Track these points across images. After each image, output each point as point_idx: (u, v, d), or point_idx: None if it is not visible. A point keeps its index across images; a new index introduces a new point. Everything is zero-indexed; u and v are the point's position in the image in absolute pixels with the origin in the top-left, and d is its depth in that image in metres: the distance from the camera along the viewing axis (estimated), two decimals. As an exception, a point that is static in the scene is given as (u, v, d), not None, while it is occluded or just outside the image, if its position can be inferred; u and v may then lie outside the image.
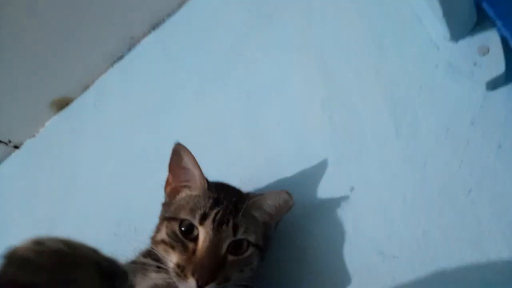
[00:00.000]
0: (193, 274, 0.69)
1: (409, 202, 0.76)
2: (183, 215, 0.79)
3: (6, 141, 1.79)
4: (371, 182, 0.83)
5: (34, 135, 1.77)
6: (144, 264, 0.81)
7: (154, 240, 0.82)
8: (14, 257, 0.35)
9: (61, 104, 1.68)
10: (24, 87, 1.62)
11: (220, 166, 0.86)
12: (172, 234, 0.78)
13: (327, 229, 0.85)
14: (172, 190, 0.88)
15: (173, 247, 0.77)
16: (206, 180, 0.85)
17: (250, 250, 0.79)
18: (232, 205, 0.80)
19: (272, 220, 0.86)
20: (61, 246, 0.39)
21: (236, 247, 0.78)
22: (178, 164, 0.84)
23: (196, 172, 0.83)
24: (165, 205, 0.88)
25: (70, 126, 1.62)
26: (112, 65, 1.55)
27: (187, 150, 0.83)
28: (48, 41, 1.49)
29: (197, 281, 0.69)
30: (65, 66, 1.58)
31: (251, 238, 0.79)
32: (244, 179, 0.96)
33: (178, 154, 0.83)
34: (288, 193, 0.82)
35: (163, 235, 0.80)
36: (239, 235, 0.77)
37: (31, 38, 1.47)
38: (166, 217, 0.82)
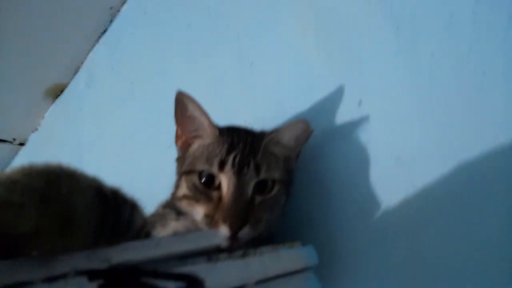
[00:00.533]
0: (224, 221, 0.67)
1: (420, 101, 0.72)
2: (200, 166, 0.75)
3: (10, 139, 1.79)
4: (377, 90, 0.79)
5: (36, 129, 1.76)
6: (163, 214, 0.79)
7: (176, 197, 0.79)
8: (1, 180, 0.32)
9: (56, 91, 1.66)
10: (16, 82, 1.60)
11: (223, 120, 0.83)
12: (193, 187, 0.75)
13: (343, 149, 0.82)
14: (183, 143, 0.84)
15: (197, 200, 0.74)
16: (216, 126, 0.82)
17: (276, 187, 0.76)
18: (249, 146, 0.77)
19: (292, 153, 0.82)
20: (55, 168, 0.36)
21: (262, 187, 0.75)
22: (183, 114, 0.80)
23: (204, 120, 0.79)
24: (180, 160, 0.84)
25: (68, 112, 1.60)
26: (97, 41, 1.51)
27: (191, 97, 0.78)
28: (29, 31, 1.45)
29: (230, 227, 0.67)
30: (52, 52, 1.55)
31: (275, 176, 0.76)
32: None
33: (182, 103, 0.78)
34: (305, 121, 0.79)
35: (184, 190, 0.77)
36: (263, 175, 0.74)
37: (12, 31, 1.43)
38: (184, 172, 0.79)
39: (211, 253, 0.56)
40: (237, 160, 0.74)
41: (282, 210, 0.79)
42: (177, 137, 0.84)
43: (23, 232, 0.31)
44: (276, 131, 0.79)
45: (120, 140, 1.35)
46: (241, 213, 0.69)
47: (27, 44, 1.48)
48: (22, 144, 1.80)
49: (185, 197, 0.76)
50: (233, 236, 0.67)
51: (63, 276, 0.37)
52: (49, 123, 1.68)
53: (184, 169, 0.78)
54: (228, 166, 0.73)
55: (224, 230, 0.67)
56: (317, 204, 0.85)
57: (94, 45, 1.50)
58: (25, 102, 1.66)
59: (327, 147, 0.85)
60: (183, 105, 0.78)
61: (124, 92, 1.35)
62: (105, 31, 1.46)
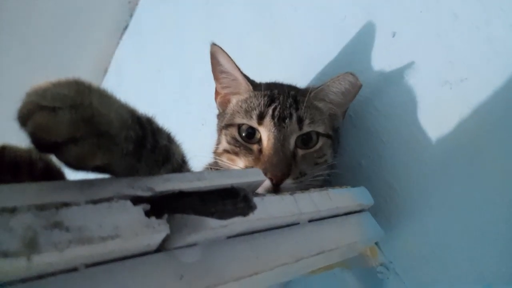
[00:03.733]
0: (265, 173, 0.64)
1: (459, 19, 0.66)
2: (239, 119, 0.73)
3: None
4: (408, 17, 0.73)
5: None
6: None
7: (216, 153, 0.77)
8: (35, 89, 0.31)
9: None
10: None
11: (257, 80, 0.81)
12: (232, 141, 0.73)
13: (385, 87, 0.77)
14: (222, 100, 0.82)
15: (237, 153, 0.72)
16: (252, 81, 0.78)
17: (321, 141, 0.73)
18: (291, 98, 0.74)
19: (339, 109, 0.78)
20: (83, 81, 0.35)
21: (306, 140, 0.71)
22: (217, 69, 0.78)
23: (236, 74, 0.77)
24: (220, 116, 0.83)
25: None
26: (120, 37, 1.54)
27: (222, 51, 0.76)
28: (53, 38, 1.49)
29: (271, 179, 0.64)
30: (79, 56, 1.58)
31: (320, 129, 0.72)
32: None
33: (214, 57, 0.77)
34: (352, 74, 0.72)
35: (224, 144, 0.75)
36: (306, 128, 0.71)
37: (37, 42, 1.48)
38: (223, 126, 0.77)
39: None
40: (277, 112, 0.70)
41: (329, 165, 0.74)
42: (216, 93, 0.82)
43: (59, 137, 0.30)
44: (322, 86, 0.75)
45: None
46: (282, 165, 0.65)
47: (53, 51, 1.52)
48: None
49: (225, 151, 0.73)
50: (275, 188, 0.64)
51: (107, 200, 0.35)
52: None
53: (224, 123, 0.76)
54: (268, 118, 0.70)
55: (266, 182, 0.64)
56: (369, 151, 0.80)
57: (118, 42, 1.52)
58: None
59: (369, 88, 0.80)
60: (215, 59, 0.76)
61: (153, 81, 1.36)
62: (126, 26, 1.48)
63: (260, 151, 0.68)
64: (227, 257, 0.45)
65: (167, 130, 0.45)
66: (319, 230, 0.57)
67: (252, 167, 0.67)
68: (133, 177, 0.39)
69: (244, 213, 0.38)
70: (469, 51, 0.65)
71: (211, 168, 0.77)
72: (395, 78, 0.75)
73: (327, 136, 0.73)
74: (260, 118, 0.70)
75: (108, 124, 0.33)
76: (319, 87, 0.74)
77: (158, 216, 0.38)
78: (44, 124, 0.29)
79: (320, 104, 0.75)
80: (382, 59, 0.78)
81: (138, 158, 0.37)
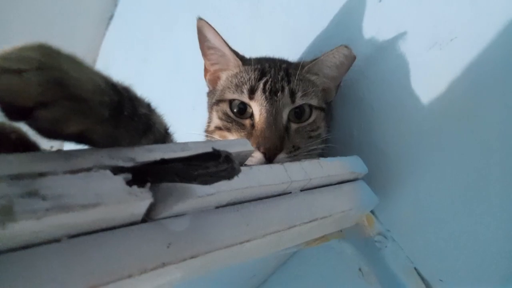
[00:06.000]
0: (258, 148, 0.63)
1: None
2: (230, 95, 0.72)
3: (48, 147, 1.84)
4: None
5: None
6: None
7: (208, 131, 0.75)
8: None
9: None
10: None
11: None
12: (224, 116, 0.72)
13: (372, 53, 0.75)
14: (211, 77, 0.80)
15: (229, 129, 0.71)
16: (241, 56, 0.77)
17: (314, 114, 0.71)
18: (283, 72, 0.72)
19: (333, 83, 0.76)
20: (50, 45, 0.33)
21: (299, 114, 0.70)
22: (205, 45, 0.76)
23: (224, 49, 0.75)
24: (210, 94, 0.81)
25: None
26: (106, 28, 1.51)
27: (209, 25, 0.73)
28: (38, 31, 1.47)
29: (264, 153, 0.63)
30: (65, 49, 1.56)
31: (313, 102, 0.71)
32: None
33: (201, 32, 0.75)
34: (346, 47, 0.70)
35: (215, 121, 0.74)
36: (298, 101, 0.69)
37: (20, 34, 1.46)
38: (214, 102, 0.76)
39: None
40: (268, 85, 0.69)
41: (324, 139, 0.74)
42: (206, 71, 0.81)
43: (28, 101, 0.29)
44: (315, 60, 0.74)
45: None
46: (275, 139, 0.64)
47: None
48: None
49: (217, 128, 0.73)
50: (269, 163, 0.63)
51: (86, 169, 0.34)
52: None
53: (215, 99, 0.75)
54: (259, 92, 0.69)
55: (258, 156, 0.63)
56: (360, 120, 0.79)
57: (104, 33, 1.50)
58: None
59: (358, 56, 0.79)
60: (202, 35, 0.75)
61: (140, 71, 1.34)
62: (112, 16, 1.45)
63: (253, 125, 0.68)
64: (217, 226, 0.44)
65: (146, 100, 0.44)
66: (311, 198, 0.56)
67: (246, 143, 0.66)
68: (113, 148, 0.38)
69: (229, 176, 0.37)
70: (456, 10, 0.64)
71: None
72: (383, 44, 0.74)
73: (321, 109, 0.72)
74: (251, 92, 0.69)
75: (80, 87, 0.32)
76: (312, 60, 0.73)
77: (140, 185, 0.37)
78: (11, 87, 0.28)
79: (313, 78, 0.74)
80: (370, 26, 0.77)
81: (116, 125, 0.36)
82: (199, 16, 0.73)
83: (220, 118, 0.71)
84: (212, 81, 0.79)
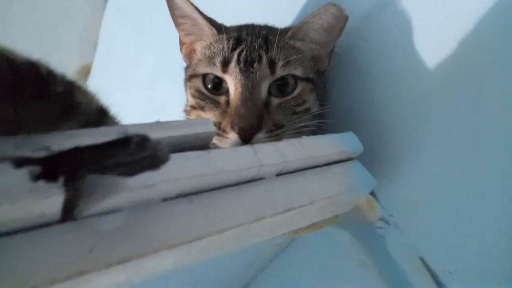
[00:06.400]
0: (232, 128, 0.56)
1: None
2: (203, 69, 0.64)
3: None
4: None
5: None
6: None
7: (186, 111, 0.69)
8: None
9: (84, 72, 1.65)
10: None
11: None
12: (197, 94, 0.64)
13: (374, 17, 0.65)
14: (187, 50, 0.72)
15: (202, 108, 0.63)
16: (217, 24, 0.68)
17: (300, 86, 0.62)
18: (262, 39, 0.63)
19: (325, 48, 0.66)
20: None
21: (281, 86, 0.61)
22: (175, 13, 0.68)
23: (196, 17, 0.66)
24: (186, 69, 0.73)
25: (100, 88, 1.57)
26: (104, 7, 1.45)
27: None
28: (37, 18, 1.44)
29: (239, 135, 0.55)
30: (67, 33, 1.53)
31: (297, 72, 0.62)
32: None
33: (170, 0, 0.66)
34: (334, 5, 0.59)
35: (190, 99, 0.67)
36: (280, 71, 0.60)
37: (23, 26, 1.43)
38: (187, 78, 0.68)
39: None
40: (243, 55, 0.60)
41: (314, 114, 0.64)
42: (181, 43, 0.73)
43: None
44: (299, 23, 0.64)
45: (151, 99, 1.29)
46: (251, 117, 0.56)
47: (41, 33, 1.47)
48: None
49: (192, 107, 0.65)
50: (245, 144, 0.55)
51: (-24, 163, 0.28)
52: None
53: (188, 75, 0.68)
54: (233, 64, 0.60)
55: (233, 137, 0.56)
56: (359, 91, 0.69)
57: (102, 15, 1.45)
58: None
59: (354, 16, 0.69)
60: (171, 1, 0.66)
61: (142, 50, 1.28)
62: (107, -6, 1.39)
63: (228, 103, 0.60)
64: (161, 222, 0.38)
65: (68, 77, 0.37)
66: (289, 184, 0.49)
67: (220, 122, 0.59)
68: (23, 136, 0.32)
69: (151, 166, 0.30)
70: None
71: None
72: (381, 1, 0.64)
73: (308, 80, 0.63)
74: (225, 64, 0.61)
75: None
76: (297, 24, 0.63)
77: (51, 179, 0.31)
78: None
79: (298, 44, 0.64)
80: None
81: (14, 107, 0.30)
82: None
83: (193, 96, 0.64)
84: (188, 55, 0.72)
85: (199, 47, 0.68)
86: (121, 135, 0.30)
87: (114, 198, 0.34)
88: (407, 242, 0.63)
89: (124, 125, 0.38)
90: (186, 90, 0.68)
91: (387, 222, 0.65)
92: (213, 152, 0.42)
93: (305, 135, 0.62)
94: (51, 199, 0.30)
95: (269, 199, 0.45)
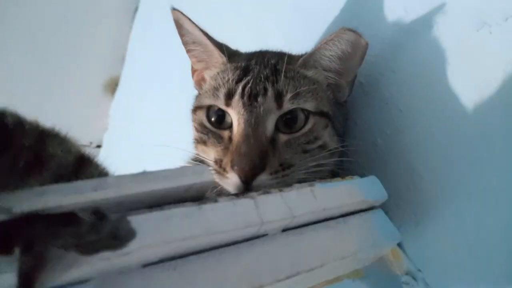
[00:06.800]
0: (232, 167, 0.50)
1: None
2: (207, 100, 0.59)
3: (88, 143, 1.86)
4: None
5: (107, 128, 1.79)
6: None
7: (194, 144, 0.64)
8: None
9: (112, 85, 1.66)
10: (75, 85, 1.63)
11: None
12: (200, 127, 0.59)
13: (401, 47, 0.58)
14: (198, 77, 0.68)
15: (205, 142, 0.58)
16: (229, 50, 0.63)
17: (312, 121, 0.55)
18: (270, 68, 0.57)
19: (343, 77, 0.59)
20: None
21: (290, 121, 0.55)
22: (184, 39, 0.64)
23: (206, 42, 0.61)
24: (196, 98, 0.68)
25: (126, 101, 1.58)
26: (132, 21, 1.45)
27: (184, 16, 0.60)
28: (69, 34, 1.46)
29: (239, 175, 0.49)
30: (96, 47, 1.54)
31: (308, 105, 0.55)
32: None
33: (179, 25, 0.62)
34: (351, 30, 0.53)
35: (193, 133, 0.62)
36: (287, 105, 0.53)
37: (56, 42, 1.45)
38: (192, 109, 0.64)
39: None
40: (248, 88, 0.55)
41: (332, 151, 0.57)
42: (192, 70, 0.68)
43: None
44: (311, 51, 0.58)
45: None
46: (252, 156, 0.49)
47: (73, 48, 1.49)
48: (99, 146, 1.85)
49: (196, 140, 0.60)
50: (247, 186, 0.49)
51: None
52: (115, 119, 1.69)
53: (193, 106, 0.63)
54: (237, 97, 0.54)
55: (232, 177, 0.50)
56: (385, 126, 0.62)
57: (131, 28, 1.45)
58: (88, 103, 1.69)
59: (381, 45, 0.62)
60: (181, 27, 0.61)
61: (167, 65, 1.26)
62: (136, 8, 1.39)
63: (231, 138, 0.54)
64: (136, 294, 0.32)
65: (41, 126, 0.33)
66: (296, 242, 0.42)
67: (222, 160, 0.53)
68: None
69: (112, 247, 0.25)
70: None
71: (191, 161, 0.64)
72: (413, 28, 0.56)
73: (321, 113, 0.56)
74: (228, 97, 0.55)
75: None
76: (309, 52, 0.57)
77: (6, 250, 0.27)
78: None
79: (310, 73, 0.58)
80: (396, 4, 0.59)
81: None
82: (172, 7, 0.60)
83: (197, 129, 0.59)
84: (198, 83, 0.67)
85: (208, 75, 0.63)
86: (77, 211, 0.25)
87: (81, 269, 0.29)
88: (437, 303, 0.55)
89: (106, 178, 0.33)
90: (192, 122, 0.63)
91: (414, 277, 0.57)
92: (205, 208, 0.37)
93: (321, 175, 0.56)
94: (3, 276, 0.25)
95: (270, 262, 0.39)
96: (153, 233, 0.33)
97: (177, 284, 0.34)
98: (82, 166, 0.36)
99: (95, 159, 0.38)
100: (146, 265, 0.34)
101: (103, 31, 1.48)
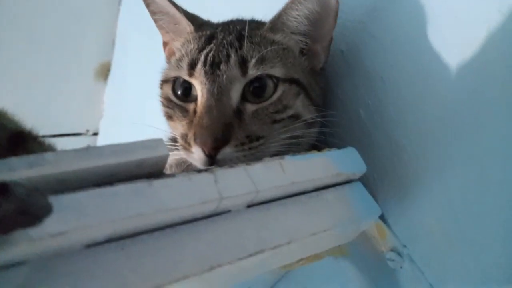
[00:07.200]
0: (195, 140, 0.47)
1: None
2: (172, 72, 0.56)
3: (84, 131, 1.84)
4: None
5: (102, 115, 1.77)
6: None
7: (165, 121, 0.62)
8: None
9: (104, 71, 1.63)
10: (68, 73, 1.61)
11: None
12: (165, 101, 0.56)
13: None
14: (169, 51, 0.64)
15: (171, 117, 0.55)
16: (197, 20, 0.60)
17: (281, 88, 0.51)
18: (234, 35, 0.54)
19: (316, 41, 0.55)
20: None
21: (258, 90, 0.51)
22: (151, 10, 0.60)
23: (171, 11, 0.58)
24: (163, 72, 0.63)
25: (120, 87, 1.55)
26: (119, 4, 1.42)
27: None
28: (55, 22, 1.43)
29: (202, 148, 0.46)
30: (85, 33, 1.51)
31: (276, 71, 0.51)
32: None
33: None
34: None
35: (161, 107, 0.59)
36: (252, 71, 0.50)
37: (41, 29, 1.42)
38: (159, 84, 0.60)
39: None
40: (210, 56, 0.51)
41: (307, 122, 0.53)
42: (164, 44, 0.65)
43: None
44: (277, 13, 0.55)
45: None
46: (214, 128, 0.47)
47: (61, 35, 1.46)
48: (96, 134, 1.83)
49: (164, 115, 0.58)
50: (211, 160, 0.46)
51: None
52: (110, 105, 1.67)
53: (160, 80, 0.60)
54: (199, 66, 0.51)
55: (196, 151, 0.47)
56: (367, 96, 0.58)
57: (118, 10, 1.41)
58: (81, 91, 1.67)
59: (362, 8, 0.58)
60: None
61: (158, 46, 1.22)
62: (122, -10, 1.35)
63: (195, 111, 0.51)
64: (79, 277, 0.30)
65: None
66: (261, 218, 0.40)
67: (186, 134, 0.51)
68: None
69: (25, 223, 0.22)
70: None
71: (168, 140, 0.62)
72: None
73: (291, 81, 0.52)
74: (191, 67, 0.52)
75: None
76: (275, 14, 0.54)
77: None
78: None
79: (278, 37, 0.54)
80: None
81: None
82: None
83: (163, 104, 0.57)
84: (168, 57, 0.64)
85: (175, 47, 0.60)
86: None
87: (8, 250, 0.27)
88: (423, 279, 0.52)
89: (43, 154, 0.31)
90: (159, 96, 0.61)
91: (399, 253, 0.54)
92: (155, 184, 0.34)
93: (299, 149, 0.53)
94: None
95: (231, 240, 0.37)
96: (94, 212, 0.30)
97: (124, 265, 0.32)
98: (21, 143, 0.33)
99: (40, 137, 0.36)
100: (90, 246, 0.32)
101: (90, 17, 1.45)
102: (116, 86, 1.61)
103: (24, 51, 1.43)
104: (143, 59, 1.37)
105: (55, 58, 1.51)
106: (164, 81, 0.58)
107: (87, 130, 1.85)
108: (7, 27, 1.37)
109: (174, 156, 0.56)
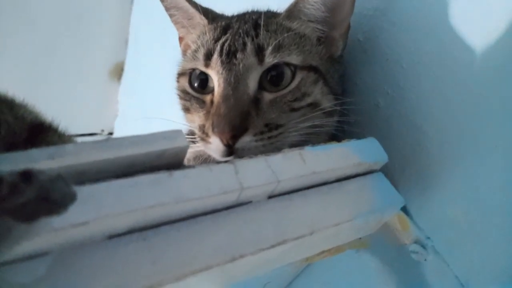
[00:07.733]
0: (213, 130, 0.47)
1: None
2: (188, 64, 0.56)
3: (99, 131, 1.86)
4: None
5: (117, 115, 1.79)
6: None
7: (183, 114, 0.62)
8: None
9: (118, 71, 1.64)
10: (82, 74, 1.63)
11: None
12: (182, 94, 0.56)
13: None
14: (185, 45, 0.64)
15: (188, 109, 0.55)
16: (213, 13, 0.60)
17: (299, 76, 0.50)
18: (250, 24, 0.54)
19: (333, 29, 0.54)
20: None
21: (275, 79, 0.50)
22: (165, 6, 0.61)
23: (184, 5, 0.58)
24: (179, 65, 0.63)
25: (134, 86, 1.56)
26: (131, 3, 1.42)
27: None
28: (70, 23, 1.45)
29: (221, 139, 0.46)
30: (99, 33, 1.52)
31: (293, 59, 0.50)
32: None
33: None
34: None
35: (178, 100, 0.58)
36: (269, 59, 0.49)
37: (58, 32, 1.44)
38: (176, 78, 0.60)
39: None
40: (226, 45, 0.51)
41: (326, 110, 0.52)
42: (180, 39, 0.65)
43: None
44: (293, 2, 0.54)
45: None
46: (232, 117, 0.46)
47: (74, 35, 1.47)
48: (111, 134, 1.85)
49: (181, 108, 0.58)
50: (229, 150, 0.46)
51: None
52: (124, 105, 1.68)
53: (176, 73, 0.60)
54: (215, 56, 0.51)
55: (214, 142, 0.47)
56: (387, 85, 0.57)
57: (131, 9, 1.41)
58: (96, 91, 1.69)
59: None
60: None
61: (171, 43, 1.22)
62: (135, -13, 1.35)
63: (212, 102, 0.51)
64: (102, 267, 0.30)
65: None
66: (283, 209, 0.39)
67: (204, 125, 0.50)
68: None
69: (45, 212, 0.22)
70: None
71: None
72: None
73: (309, 68, 0.51)
74: (207, 57, 0.51)
75: None
76: (293, 1, 0.53)
77: None
78: None
79: (295, 24, 0.53)
80: None
81: None
82: None
83: (180, 97, 0.56)
84: (184, 51, 0.63)
85: (190, 41, 0.60)
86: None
87: (33, 241, 0.27)
88: (449, 272, 0.50)
89: (63, 146, 0.31)
90: (176, 90, 0.60)
91: (423, 245, 0.53)
92: (176, 174, 0.34)
93: (319, 139, 0.52)
94: None
95: (253, 230, 0.36)
96: (115, 202, 0.30)
97: (146, 256, 0.31)
98: (41, 134, 0.33)
99: (60, 128, 0.36)
100: (112, 236, 0.31)
101: (103, 18, 1.46)
102: (130, 85, 1.62)
103: (38, 53, 1.45)
104: (156, 57, 1.37)
105: (69, 59, 1.53)
106: (180, 74, 0.57)
107: (102, 130, 1.87)
108: (20, 29, 1.39)
109: (192, 149, 0.55)
